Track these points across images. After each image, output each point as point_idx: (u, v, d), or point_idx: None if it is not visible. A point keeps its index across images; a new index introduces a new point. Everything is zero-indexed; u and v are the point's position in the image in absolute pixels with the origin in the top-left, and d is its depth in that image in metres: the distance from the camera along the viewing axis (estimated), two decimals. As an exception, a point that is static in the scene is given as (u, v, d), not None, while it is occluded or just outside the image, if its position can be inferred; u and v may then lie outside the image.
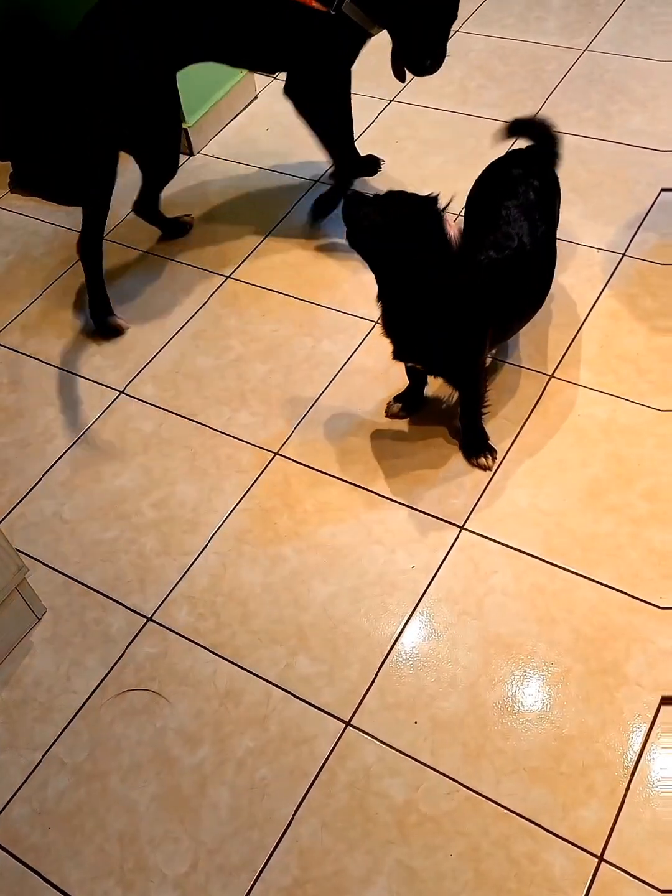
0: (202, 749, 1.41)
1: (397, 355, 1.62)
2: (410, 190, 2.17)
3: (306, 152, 2.30)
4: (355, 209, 1.50)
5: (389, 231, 1.44)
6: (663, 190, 2.16)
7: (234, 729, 1.43)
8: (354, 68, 2.69)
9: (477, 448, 1.70)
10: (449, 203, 1.47)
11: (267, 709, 1.44)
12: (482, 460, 1.69)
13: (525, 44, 2.65)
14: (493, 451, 1.70)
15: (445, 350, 1.58)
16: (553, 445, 1.71)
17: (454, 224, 1.48)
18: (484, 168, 1.79)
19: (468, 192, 1.78)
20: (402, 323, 1.57)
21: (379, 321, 1.61)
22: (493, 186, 1.72)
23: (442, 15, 1.87)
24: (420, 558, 1.58)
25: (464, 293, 1.50)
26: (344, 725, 1.41)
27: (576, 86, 2.48)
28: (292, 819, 1.33)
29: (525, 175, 1.70)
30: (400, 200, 1.50)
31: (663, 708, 1.38)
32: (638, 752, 1.33)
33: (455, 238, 1.46)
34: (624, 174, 2.20)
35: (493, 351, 1.80)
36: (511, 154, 1.81)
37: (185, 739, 1.42)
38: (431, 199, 1.47)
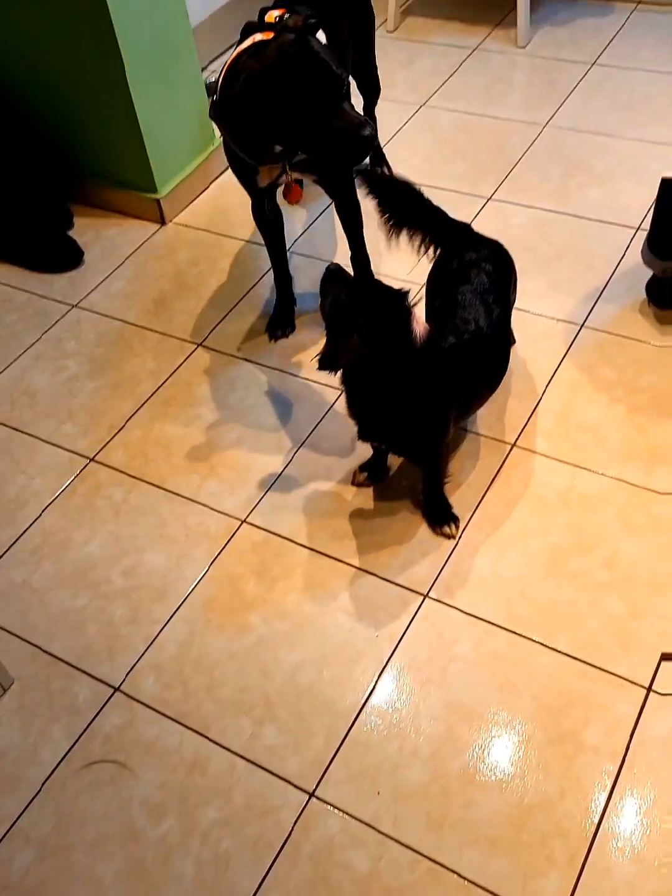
0: (167, 821, 1.42)
1: (361, 435, 1.68)
2: (374, 261, 2.31)
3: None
4: (331, 284, 1.54)
5: (357, 313, 1.49)
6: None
7: (199, 800, 1.43)
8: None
9: (440, 517, 1.74)
10: (417, 301, 1.52)
11: (232, 779, 1.45)
12: (446, 529, 1.73)
13: (488, 118, 2.76)
14: (455, 520, 1.74)
15: (407, 434, 1.64)
16: (515, 514, 1.75)
17: (421, 322, 1.53)
18: (438, 254, 1.83)
19: (427, 275, 1.84)
20: (363, 406, 1.62)
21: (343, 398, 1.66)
22: (449, 271, 1.78)
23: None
24: (385, 626, 1.61)
25: (424, 383, 1.55)
26: (308, 796, 1.42)
27: (537, 160, 2.58)
28: (257, 891, 1.33)
29: (479, 260, 1.76)
30: (373, 287, 1.55)
31: (623, 771, 1.41)
32: (596, 822, 1.36)
33: (420, 336, 1.51)
34: (583, 247, 2.29)
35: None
36: (466, 238, 1.85)
37: (150, 811, 1.43)
38: (402, 295, 1.51)
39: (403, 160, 2.62)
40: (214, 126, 2.36)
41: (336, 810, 1.40)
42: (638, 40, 3.00)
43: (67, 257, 2.36)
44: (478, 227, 2.33)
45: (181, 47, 2.39)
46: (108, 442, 1.98)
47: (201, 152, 2.56)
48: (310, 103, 1.58)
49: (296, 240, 2.40)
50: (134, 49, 2.24)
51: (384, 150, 2.57)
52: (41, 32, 2.28)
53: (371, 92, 2.47)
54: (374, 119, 2.51)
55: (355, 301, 1.49)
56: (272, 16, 1.75)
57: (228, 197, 2.58)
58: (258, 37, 1.71)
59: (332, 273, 1.54)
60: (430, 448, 1.67)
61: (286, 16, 1.72)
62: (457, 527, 1.73)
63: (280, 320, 2.17)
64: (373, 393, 1.56)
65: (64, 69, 2.33)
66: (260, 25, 1.75)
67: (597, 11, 3.17)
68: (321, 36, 1.75)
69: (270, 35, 1.67)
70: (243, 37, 1.75)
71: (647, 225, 2.29)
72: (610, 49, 2.99)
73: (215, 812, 1.42)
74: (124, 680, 1.58)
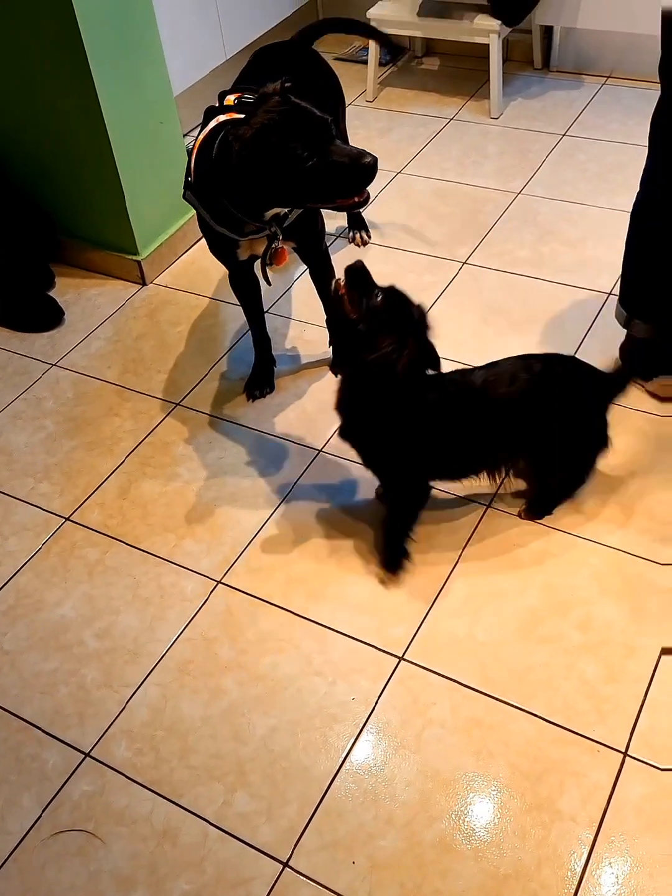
0: (135, 893, 1.38)
1: (341, 433, 1.72)
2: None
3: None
4: (365, 278, 1.56)
5: (383, 316, 1.53)
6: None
7: (169, 871, 1.40)
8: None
9: (389, 560, 1.78)
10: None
11: (204, 849, 1.42)
12: (389, 575, 1.78)
13: (463, 186, 2.84)
14: (399, 565, 1.78)
15: (378, 451, 1.68)
16: (489, 575, 1.76)
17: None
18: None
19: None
20: (351, 402, 1.65)
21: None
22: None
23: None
24: (360, 690, 1.60)
25: (411, 412, 1.59)
26: (281, 867, 1.39)
27: (511, 226, 2.65)
28: None
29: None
30: (401, 297, 1.58)
31: (599, 839, 1.40)
32: (573, 892, 1.34)
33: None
34: (555, 310, 2.34)
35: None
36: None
37: (119, 883, 1.39)
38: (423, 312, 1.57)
39: (381, 226, 2.69)
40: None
41: (310, 881, 1.37)
42: (606, 113, 3.11)
43: (48, 317, 2.38)
44: (453, 291, 2.43)
45: (164, 114, 2.45)
46: (84, 501, 1.97)
47: (182, 215, 2.61)
48: (309, 151, 1.61)
49: (275, 301, 2.43)
50: (117, 116, 2.29)
51: (363, 215, 2.63)
52: (27, 97, 2.33)
53: None
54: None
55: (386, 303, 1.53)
56: (231, 99, 1.81)
57: (208, 259, 2.58)
58: (222, 118, 1.75)
59: (362, 270, 1.57)
60: (393, 479, 1.72)
61: (245, 97, 1.78)
62: (398, 573, 1.77)
63: (259, 380, 2.19)
64: (364, 393, 1.60)
65: (49, 133, 2.38)
66: (221, 108, 1.80)
67: (567, 85, 3.30)
68: None
69: (233, 115, 1.72)
70: (206, 120, 1.80)
71: (618, 290, 2.36)
72: (580, 121, 3.10)
73: (186, 884, 1.38)
74: (95, 745, 1.56)
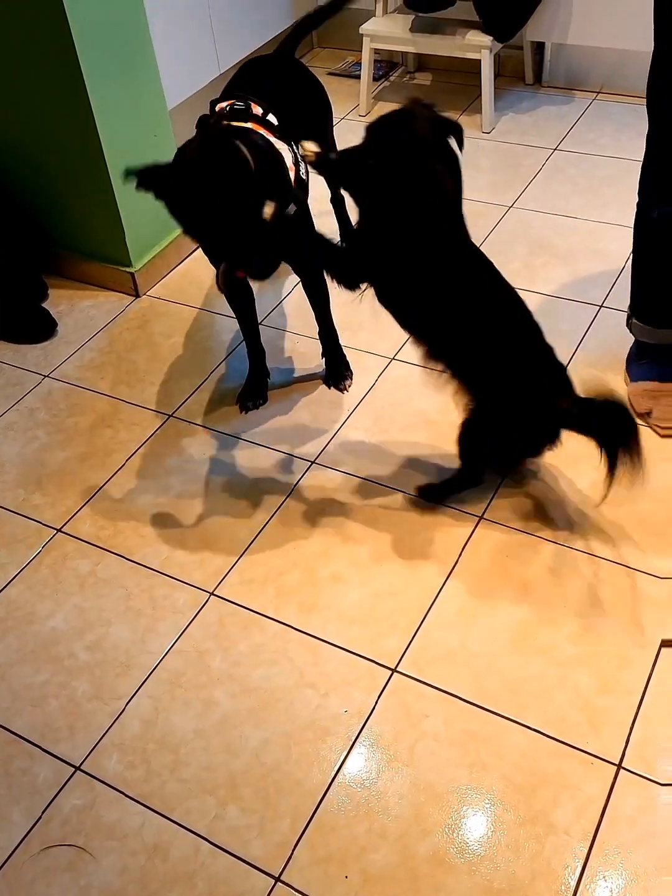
0: (127, 909, 1.37)
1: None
2: (347, 334, 2.36)
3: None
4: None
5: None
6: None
7: (160, 886, 1.39)
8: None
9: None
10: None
11: (195, 864, 1.41)
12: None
13: (456, 199, 2.86)
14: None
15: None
16: (482, 586, 1.76)
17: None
18: None
19: None
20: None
21: None
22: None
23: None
24: (353, 702, 1.59)
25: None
26: (274, 881, 1.38)
27: (503, 239, 2.66)
28: None
29: None
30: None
31: (593, 852, 1.39)
32: (567, 906, 1.34)
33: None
34: (548, 323, 2.29)
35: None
36: None
37: (109, 899, 1.38)
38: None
39: (374, 237, 2.70)
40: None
41: (303, 895, 1.37)
42: (597, 128, 3.14)
43: (41, 328, 2.38)
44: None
45: (158, 128, 2.46)
46: (76, 512, 1.96)
47: (176, 227, 2.60)
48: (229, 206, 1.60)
49: (268, 313, 2.44)
50: (112, 128, 2.30)
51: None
52: (22, 109, 2.34)
53: None
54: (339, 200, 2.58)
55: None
56: (223, 106, 1.81)
57: (201, 270, 2.62)
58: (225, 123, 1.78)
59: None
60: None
61: (236, 105, 1.79)
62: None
63: (252, 392, 2.19)
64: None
65: (43, 144, 2.38)
66: (213, 116, 1.82)
67: (558, 100, 3.32)
68: (272, 118, 1.82)
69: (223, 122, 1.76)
70: (199, 128, 1.81)
71: (609, 303, 2.38)
72: (571, 135, 3.13)
73: (178, 899, 1.37)
74: (86, 759, 1.54)
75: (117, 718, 1.60)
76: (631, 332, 2.11)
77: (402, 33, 3.18)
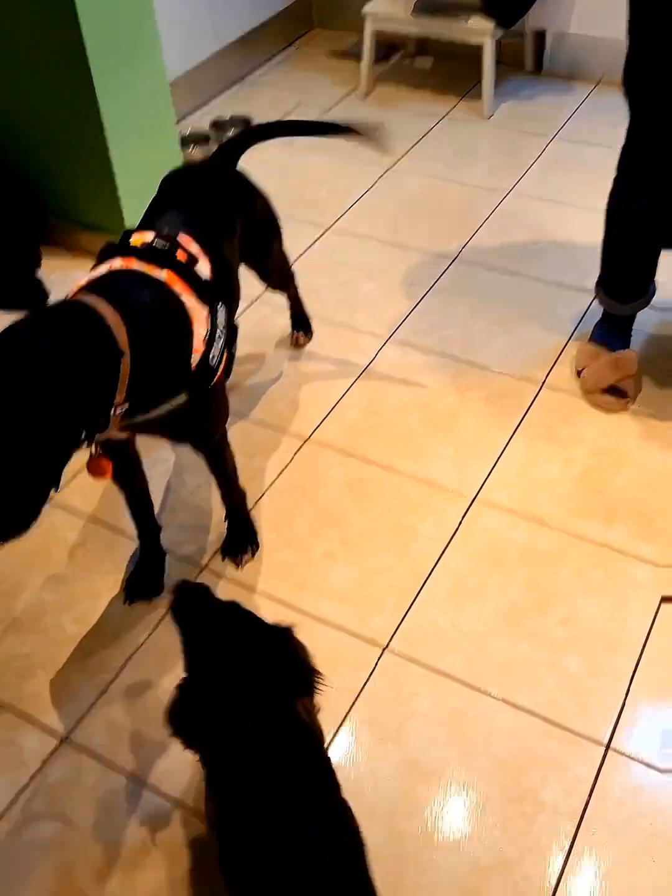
0: (112, 882, 1.35)
1: None
2: (343, 313, 2.35)
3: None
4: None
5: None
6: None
7: (148, 860, 1.37)
8: (292, 195, 2.85)
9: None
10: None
11: (183, 839, 1.40)
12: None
13: (454, 183, 2.85)
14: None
15: None
16: (474, 568, 1.75)
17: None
18: None
19: None
20: None
21: None
22: None
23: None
24: (343, 679, 1.58)
25: None
26: (261, 856, 1.38)
27: (500, 224, 2.66)
28: (203, 959, 1.28)
29: None
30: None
31: (581, 831, 1.39)
32: (554, 884, 1.33)
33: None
34: (544, 309, 2.35)
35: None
36: None
37: (94, 872, 1.36)
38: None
39: (370, 220, 2.69)
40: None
41: (289, 871, 1.36)
42: (596, 118, 3.13)
43: (34, 297, 2.34)
44: (442, 286, 2.43)
45: (157, 99, 2.43)
46: (64, 484, 1.93)
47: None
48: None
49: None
50: (112, 100, 2.26)
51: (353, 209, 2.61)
52: (21, 77, 2.30)
53: (283, 285, 2.16)
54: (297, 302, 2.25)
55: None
56: (137, 239, 1.44)
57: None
58: (117, 264, 1.39)
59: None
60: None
61: (156, 242, 1.43)
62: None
63: (142, 582, 1.74)
64: None
65: (41, 113, 2.35)
66: (121, 248, 1.43)
67: (558, 88, 3.32)
68: (205, 266, 1.48)
69: (131, 261, 1.39)
70: (100, 260, 1.43)
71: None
72: (569, 124, 3.12)
73: (162, 872, 1.36)
74: (73, 730, 1.53)
75: (105, 691, 1.58)
76: (598, 301, 2.17)
77: (404, 15, 3.15)
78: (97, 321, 1.25)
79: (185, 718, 1.16)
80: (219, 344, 1.44)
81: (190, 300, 1.40)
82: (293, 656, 1.20)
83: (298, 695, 1.19)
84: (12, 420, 1.13)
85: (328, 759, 1.21)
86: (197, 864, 1.36)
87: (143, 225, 1.56)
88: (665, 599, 1.58)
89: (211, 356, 1.43)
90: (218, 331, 1.44)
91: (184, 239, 1.48)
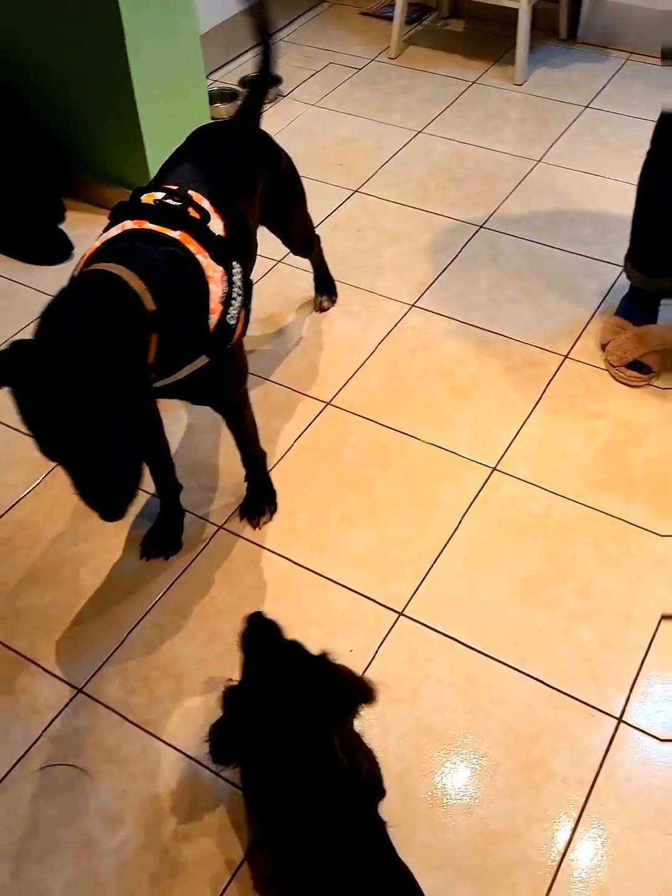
0: (123, 831, 1.37)
1: None
2: (368, 277, 2.32)
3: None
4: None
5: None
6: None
7: (159, 811, 1.39)
8: (319, 156, 2.81)
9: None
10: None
11: (195, 792, 1.41)
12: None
13: (483, 150, 2.80)
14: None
15: None
16: (492, 537, 1.75)
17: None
18: None
19: None
20: None
21: None
22: None
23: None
24: (358, 642, 1.59)
25: None
26: (272, 811, 1.39)
27: (529, 193, 2.62)
28: (213, 908, 1.30)
29: None
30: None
31: (590, 802, 1.40)
32: (561, 852, 1.35)
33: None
34: (571, 281, 2.32)
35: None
36: None
37: (106, 820, 1.38)
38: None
39: (397, 184, 2.65)
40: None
41: (299, 827, 1.37)
42: (629, 88, 3.07)
43: (57, 250, 2.33)
44: (468, 254, 2.40)
45: (188, 53, 2.39)
46: (85, 439, 1.94)
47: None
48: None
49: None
50: (141, 52, 2.23)
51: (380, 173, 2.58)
52: (49, 27, 2.27)
53: (306, 250, 2.12)
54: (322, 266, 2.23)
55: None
56: (149, 198, 1.42)
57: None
58: (129, 225, 1.37)
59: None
60: None
61: (168, 200, 1.41)
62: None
63: (162, 538, 1.75)
64: None
65: (69, 64, 2.32)
66: (133, 208, 1.41)
67: (592, 57, 3.25)
68: (217, 223, 1.45)
69: (143, 223, 1.37)
70: (113, 221, 1.41)
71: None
72: (603, 94, 3.06)
73: (175, 825, 1.38)
74: (88, 681, 1.54)
75: (121, 644, 1.59)
76: (626, 275, 2.13)
77: (438, -25, 3.09)
78: (127, 291, 1.24)
79: (223, 747, 1.22)
80: (236, 304, 1.42)
81: (205, 260, 1.38)
82: (341, 692, 1.23)
83: (338, 724, 1.23)
84: (100, 396, 1.14)
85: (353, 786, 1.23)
86: (208, 816, 1.38)
87: (157, 179, 1.54)
88: (665, 617, 1.56)
89: (228, 316, 1.41)
90: (235, 290, 1.42)
91: (195, 196, 1.45)
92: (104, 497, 1.20)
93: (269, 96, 2.88)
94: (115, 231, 1.37)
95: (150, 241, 1.34)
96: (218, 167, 1.58)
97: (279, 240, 1.96)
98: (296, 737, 1.16)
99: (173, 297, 1.31)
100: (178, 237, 1.36)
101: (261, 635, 1.30)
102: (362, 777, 1.26)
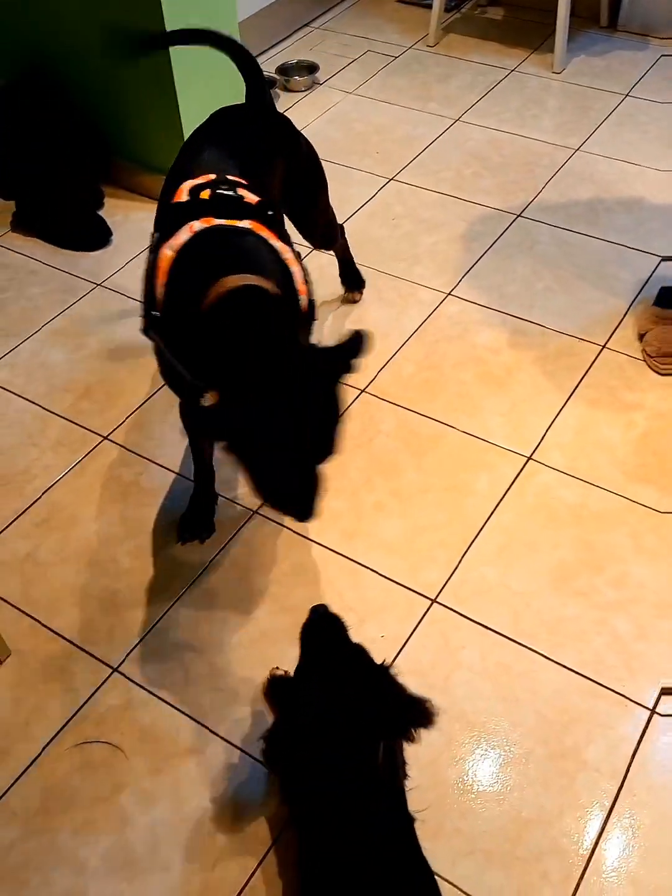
0: (158, 808, 1.39)
1: None
2: (403, 265, 2.31)
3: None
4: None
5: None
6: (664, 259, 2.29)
7: (193, 790, 1.41)
8: (355, 144, 2.80)
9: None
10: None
11: (228, 771, 1.42)
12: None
13: (520, 138, 2.78)
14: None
15: None
16: (526, 525, 1.74)
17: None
18: None
19: None
20: None
21: None
22: None
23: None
24: (390, 628, 1.59)
25: None
26: (303, 793, 1.40)
27: (567, 182, 2.59)
28: (244, 887, 1.31)
29: None
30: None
31: (622, 792, 1.39)
32: (593, 841, 1.34)
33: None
34: (608, 270, 2.29)
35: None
36: None
37: (141, 797, 1.40)
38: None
39: (434, 172, 2.64)
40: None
41: (331, 809, 1.38)
42: (670, 77, 3.03)
43: (96, 236, 2.35)
44: (504, 242, 2.39)
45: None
46: (122, 422, 1.96)
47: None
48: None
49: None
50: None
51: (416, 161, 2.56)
52: (92, 17, 2.28)
53: (328, 242, 2.06)
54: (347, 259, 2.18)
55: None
56: (206, 192, 1.38)
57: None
58: (198, 226, 1.33)
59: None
60: None
61: (220, 191, 1.38)
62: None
63: (196, 521, 1.75)
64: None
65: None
66: (193, 207, 1.36)
67: (633, 46, 3.21)
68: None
69: (211, 221, 1.33)
70: (172, 220, 1.35)
71: (674, 254, 2.32)
72: (643, 83, 3.02)
73: (208, 803, 1.39)
74: (124, 661, 1.56)
75: (156, 624, 1.61)
76: (665, 264, 2.12)
77: (478, -38, 3.06)
78: (280, 299, 1.26)
79: (278, 750, 1.22)
80: (310, 280, 1.41)
81: (277, 244, 1.37)
82: (393, 704, 1.22)
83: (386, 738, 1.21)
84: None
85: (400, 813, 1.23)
86: (240, 794, 1.39)
87: (185, 164, 1.52)
88: (665, 691, 1.54)
89: (311, 294, 1.40)
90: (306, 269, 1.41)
91: (233, 178, 1.43)
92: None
93: (303, 84, 2.88)
94: (184, 233, 1.33)
95: (234, 236, 1.33)
96: (244, 150, 1.56)
97: (301, 231, 1.90)
98: (344, 751, 1.16)
99: (288, 289, 1.31)
100: (249, 226, 1.35)
101: (324, 631, 1.29)
102: (398, 776, 1.26)
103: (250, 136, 1.64)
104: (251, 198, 1.42)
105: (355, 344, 1.22)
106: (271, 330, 1.21)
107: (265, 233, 1.37)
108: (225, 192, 1.39)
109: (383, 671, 1.24)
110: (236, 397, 1.16)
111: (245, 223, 1.35)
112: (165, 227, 1.37)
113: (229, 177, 1.44)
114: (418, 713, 1.22)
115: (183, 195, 1.41)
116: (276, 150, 1.69)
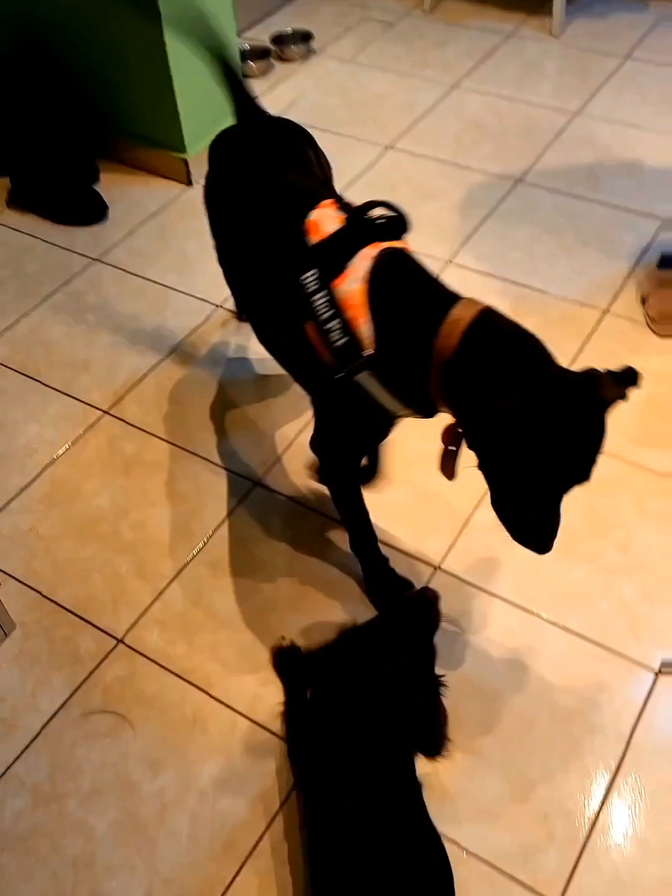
0: (164, 776, 1.39)
1: None
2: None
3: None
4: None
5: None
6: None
7: (198, 757, 1.41)
8: (352, 113, 2.77)
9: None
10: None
11: (233, 738, 1.43)
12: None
13: (520, 104, 2.74)
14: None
15: None
16: (530, 492, 1.73)
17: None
18: None
19: None
20: None
21: None
22: None
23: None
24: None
25: None
26: (309, 759, 1.40)
27: (567, 147, 2.56)
28: (252, 851, 1.31)
29: None
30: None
31: (628, 754, 1.39)
32: (599, 802, 1.34)
33: None
34: (609, 234, 2.27)
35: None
36: None
37: (147, 765, 1.41)
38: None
39: (432, 139, 2.61)
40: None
41: (337, 774, 1.38)
42: (670, 39, 2.99)
43: (92, 211, 2.34)
44: (505, 209, 2.36)
45: (220, 11, 2.37)
46: (123, 397, 1.95)
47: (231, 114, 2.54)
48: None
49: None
50: (174, 11, 2.20)
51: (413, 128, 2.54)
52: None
53: None
54: None
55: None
56: (376, 212, 1.30)
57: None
58: (371, 252, 1.25)
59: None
60: None
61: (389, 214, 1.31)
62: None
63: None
64: None
65: (103, 25, 2.32)
66: (367, 229, 1.28)
67: (632, 7, 3.16)
68: None
69: (377, 245, 1.26)
70: (346, 244, 1.26)
71: (676, 216, 2.30)
72: (644, 44, 2.98)
73: (214, 770, 1.40)
74: (128, 632, 1.56)
75: (159, 596, 1.61)
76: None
77: None
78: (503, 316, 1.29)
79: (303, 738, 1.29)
80: None
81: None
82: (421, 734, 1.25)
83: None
84: None
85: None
86: (246, 761, 1.40)
87: (274, 199, 1.41)
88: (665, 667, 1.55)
89: None
90: None
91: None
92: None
93: (298, 54, 2.85)
94: (365, 265, 1.24)
95: (409, 257, 1.29)
96: (300, 163, 1.51)
97: None
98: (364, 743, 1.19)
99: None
100: (402, 246, 1.30)
101: (415, 620, 1.33)
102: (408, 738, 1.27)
103: (288, 148, 1.56)
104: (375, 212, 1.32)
105: None
106: (540, 358, 1.28)
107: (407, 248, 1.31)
108: (389, 216, 1.30)
109: (433, 687, 1.28)
110: (512, 426, 1.20)
111: (400, 244, 1.29)
112: (321, 263, 1.27)
113: (344, 198, 1.37)
114: (429, 743, 1.25)
115: (324, 227, 1.30)
116: (307, 148, 1.61)
